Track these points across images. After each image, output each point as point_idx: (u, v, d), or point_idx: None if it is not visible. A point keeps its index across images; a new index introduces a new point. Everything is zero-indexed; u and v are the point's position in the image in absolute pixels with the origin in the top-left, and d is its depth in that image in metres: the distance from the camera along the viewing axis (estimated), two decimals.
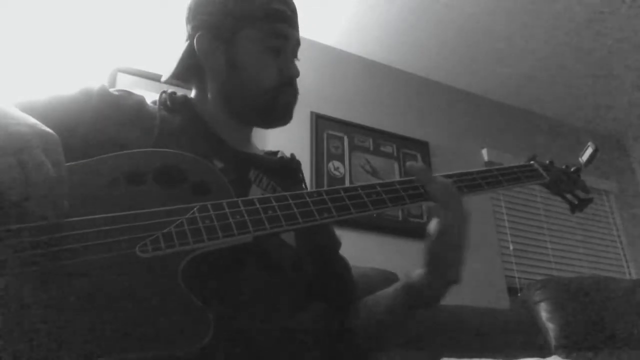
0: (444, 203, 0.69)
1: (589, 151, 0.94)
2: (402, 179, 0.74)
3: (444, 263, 0.69)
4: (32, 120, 0.54)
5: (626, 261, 2.98)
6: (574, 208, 0.94)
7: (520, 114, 3.11)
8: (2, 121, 0.51)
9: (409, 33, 2.54)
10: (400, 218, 2.30)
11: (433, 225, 0.69)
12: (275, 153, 0.93)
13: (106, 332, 0.46)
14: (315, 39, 2.51)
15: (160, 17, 2.10)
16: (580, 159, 0.96)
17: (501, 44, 2.61)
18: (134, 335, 0.47)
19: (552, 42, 2.59)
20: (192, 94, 0.89)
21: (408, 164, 0.78)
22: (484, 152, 2.76)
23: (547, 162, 0.94)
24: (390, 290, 0.80)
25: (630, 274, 2.93)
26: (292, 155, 0.93)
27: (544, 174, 0.90)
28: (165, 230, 0.55)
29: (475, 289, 2.18)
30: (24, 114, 0.54)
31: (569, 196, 0.94)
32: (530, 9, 2.38)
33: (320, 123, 2.35)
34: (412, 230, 2.29)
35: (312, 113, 2.34)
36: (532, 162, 0.92)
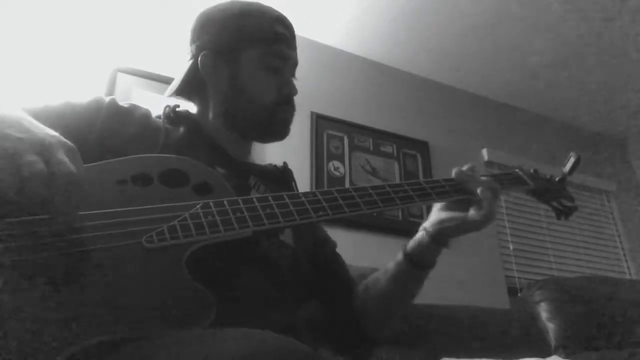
0: (492, 199, 0.80)
1: (571, 161, 0.98)
2: (392, 182, 0.80)
3: (456, 236, 0.83)
4: (54, 132, 0.58)
5: (626, 261, 2.98)
6: (559, 214, 0.97)
7: (520, 114, 3.11)
8: (28, 126, 0.55)
9: (409, 33, 2.54)
10: (400, 218, 2.30)
11: (474, 212, 0.80)
12: (270, 164, 0.97)
13: (114, 312, 0.48)
14: (315, 39, 2.50)
15: (160, 17, 2.10)
16: (563, 168, 0.99)
17: (502, 44, 2.61)
18: (143, 315, 0.49)
19: (552, 42, 2.59)
20: (195, 108, 0.93)
21: (455, 170, 0.85)
22: (484, 152, 2.76)
23: (532, 170, 0.98)
24: (389, 264, 0.89)
25: (630, 274, 2.93)
26: (285, 163, 0.97)
27: (529, 181, 0.94)
28: (170, 224, 0.58)
29: (475, 289, 2.18)
30: (45, 127, 0.58)
31: (554, 204, 0.97)
32: (530, 10, 2.38)
33: (320, 123, 2.35)
34: (412, 230, 2.28)
35: (312, 113, 2.34)
36: (516, 170, 0.96)
